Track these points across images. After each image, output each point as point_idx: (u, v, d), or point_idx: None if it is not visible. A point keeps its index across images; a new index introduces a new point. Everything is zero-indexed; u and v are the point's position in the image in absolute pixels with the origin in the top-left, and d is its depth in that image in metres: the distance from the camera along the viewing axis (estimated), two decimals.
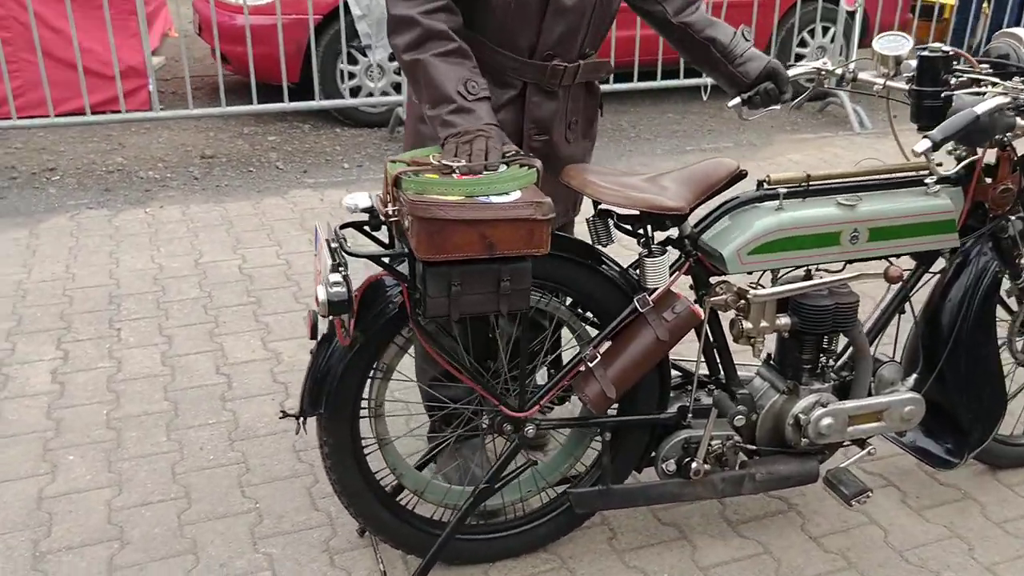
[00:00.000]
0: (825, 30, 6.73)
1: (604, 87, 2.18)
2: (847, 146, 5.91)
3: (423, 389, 2.27)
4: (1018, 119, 1.99)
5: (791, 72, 2.21)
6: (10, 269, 3.93)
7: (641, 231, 1.97)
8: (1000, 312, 2.36)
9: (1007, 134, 2.04)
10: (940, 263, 2.28)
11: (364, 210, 1.84)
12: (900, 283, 2.19)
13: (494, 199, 1.71)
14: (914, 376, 2.25)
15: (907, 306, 2.24)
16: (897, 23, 6.53)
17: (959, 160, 2.18)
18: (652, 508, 2.42)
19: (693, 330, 2.02)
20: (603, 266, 2.03)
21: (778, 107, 2.19)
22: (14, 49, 5.41)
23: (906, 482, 2.55)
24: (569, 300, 2.07)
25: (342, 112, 6.02)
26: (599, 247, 2.03)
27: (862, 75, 2.20)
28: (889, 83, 2.12)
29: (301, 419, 1.94)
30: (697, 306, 2.00)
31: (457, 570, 2.20)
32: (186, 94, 5.56)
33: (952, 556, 2.26)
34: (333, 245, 1.83)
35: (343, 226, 1.91)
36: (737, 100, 2.17)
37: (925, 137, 1.84)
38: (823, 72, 2.26)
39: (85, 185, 5.04)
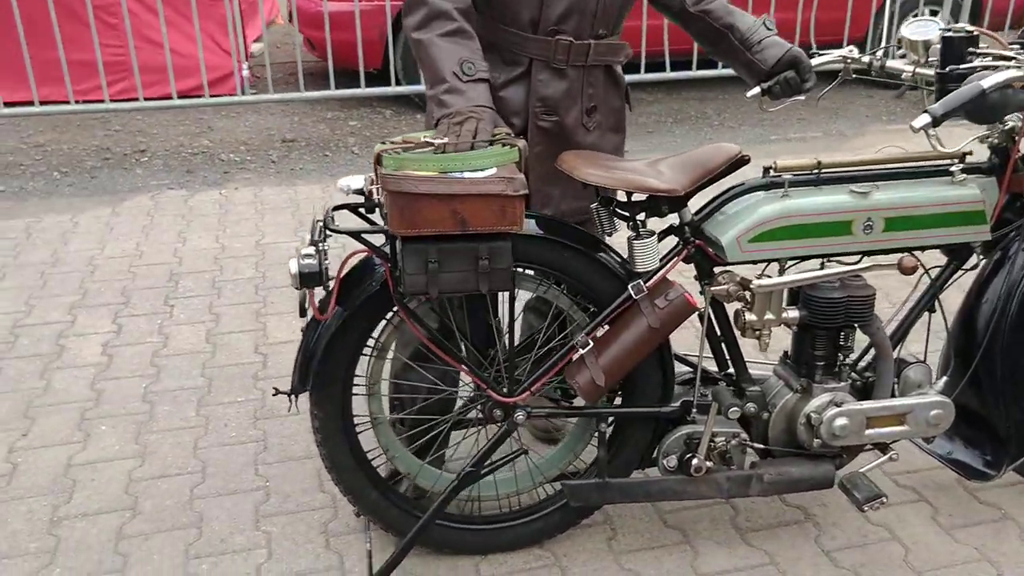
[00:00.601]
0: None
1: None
2: (945, 137, 5.57)
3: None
4: None
5: (815, 61, 2.10)
6: (87, 245, 4.14)
7: (635, 216, 1.90)
8: None
9: None
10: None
11: (357, 191, 1.85)
12: (930, 281, 2.05)
13: (467, 175, 1.69)
14: (944, 379, 2.10)
15: (937, 305, 2.09)
16: (1012, 6, 6.13)
17: (993, 149, 2.02)
18: (659, 510, 2.35)
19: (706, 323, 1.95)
20: (602, 254, 1.97)
21: (801, 97, 2.09)
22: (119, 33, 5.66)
23: (941, 498, 2.39)
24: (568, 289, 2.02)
25: (422, 97, 6.06)
26: (604, 236, 2.00)
27: (890, 63, 2.06)
28: (918, 70, 1.98)
29: (292, 396, 1.96)
30: (692, 295, 1.92)
31: (447, 560, 2.18)
32: (269, 79, 5.72)
33: None
34: (318, 222, 1.84)
35: (336, 207, 1.92)
36: (756, 90, 2.08)
37: (925, 112, 1.72)
38: (849, 60, 2.13)
39: (170, 166, 5.26)
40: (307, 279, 1.75)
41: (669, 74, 5.54)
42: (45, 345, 3.23)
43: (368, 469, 2.09)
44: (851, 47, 2.16)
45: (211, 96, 5.63)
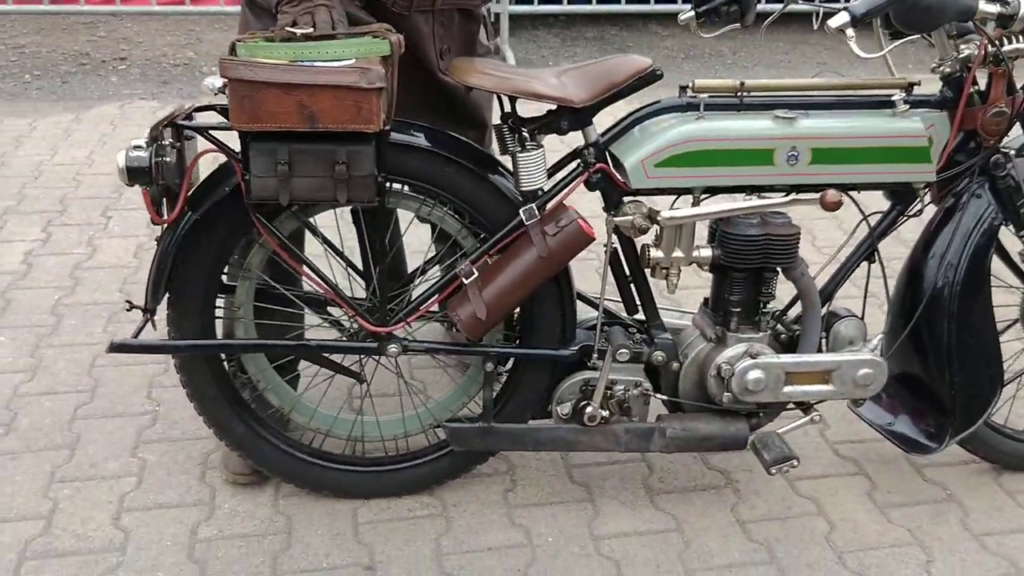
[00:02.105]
0: None
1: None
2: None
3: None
4: (981, 2, 1.64)
5: None
6: (37, 150, 4.06)
7: (525, 129, 1.75)
8: (1012, 279, 1.99)
9: (971, 23, 1.71)
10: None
11: (222, 91, 1.72)
12: (869, 228, 1.87)
13: (320, 64, 1.56)
14: (879, 337, 1.93)
15: (877, 255, 1.91)
16: None
17: (945, 80, 1.82)
18: (566, 464, 2.22)
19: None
20: (496, 175, 1.82)
21: (738, 25, 1.89)
22: None
23: (882, 473, 2.22)
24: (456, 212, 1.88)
25: None
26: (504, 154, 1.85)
27: None
28: None
29: (147, 314, 1.85)
30: (589, 224, 1.76)
31: (325, 503, 2.07)
32: None
33: (902, 567, 1.95)
34: (164, 119, 1.71)
35: (199, 108, 1.79)
36: (690, 13, 1.87)
37: (844, 10, 1.56)
38: None
39: (147, 76, 5.15)
40: (135, 174, 1.63)
41: (678, 6, 5.30)
42: None
43: (235, 399, 1.99)
44: None
45: (192, 4, 5.50)
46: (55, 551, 1.92)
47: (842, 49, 5.80)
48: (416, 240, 2.44)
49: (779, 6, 1.83)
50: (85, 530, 1.98)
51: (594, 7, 5.86)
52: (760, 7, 1.87)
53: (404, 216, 2.05)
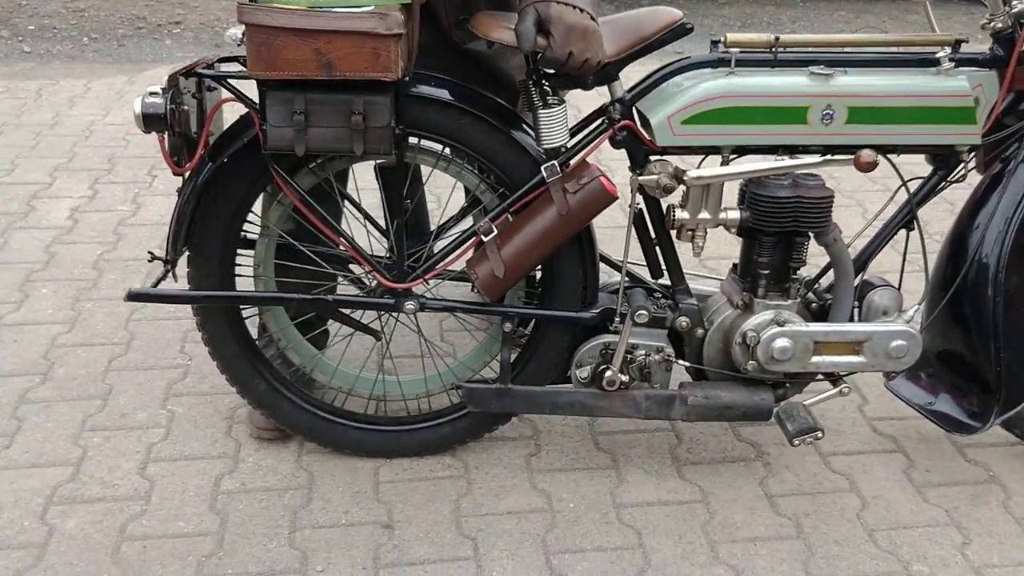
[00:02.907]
0: None
1: None
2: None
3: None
4: None
5: None
6: (91, 110, 4.17)
7: (546, 83, 1.73)
8: None
9: None
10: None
11: (243, 41, 1.74)
12: (908, 194, 1.82)
13: (338, 10, 1.56)
14: (915, 308, 1.88)
15: (916, 224, 1.86)
16: None
17: (996, 37, 1.76)
18: (592, 432, 2.21)
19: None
20: (518, 132, 1.81)
21: None
22: None
23: (921, 451, 2.17)
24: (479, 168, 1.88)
25: None
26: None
27: None
28: None
29: (168, 265, 1.88)
30: (612, 182, 1.75)
31: (347, 461, 2.10)
32: None
33: (936, 548, 1.90)
34: (193, 67, 1.74)
35: (222, 59, 1.82)
36: None
37: None
38: None
39: (200, 40, 5.24)
40: (150, 120, 1.64)
41: None
42: (15, 204, 3.27)
43: (256, 357, 2.02)
44: None
45: None
46: (81, 497, 1.98)
47: (907, 19, 5.65)
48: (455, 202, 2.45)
49: None
50: (111, 478, 2.04)
51: None
52: None
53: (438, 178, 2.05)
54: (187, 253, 1.90)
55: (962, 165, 1.83)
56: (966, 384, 1.95)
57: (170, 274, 1.88)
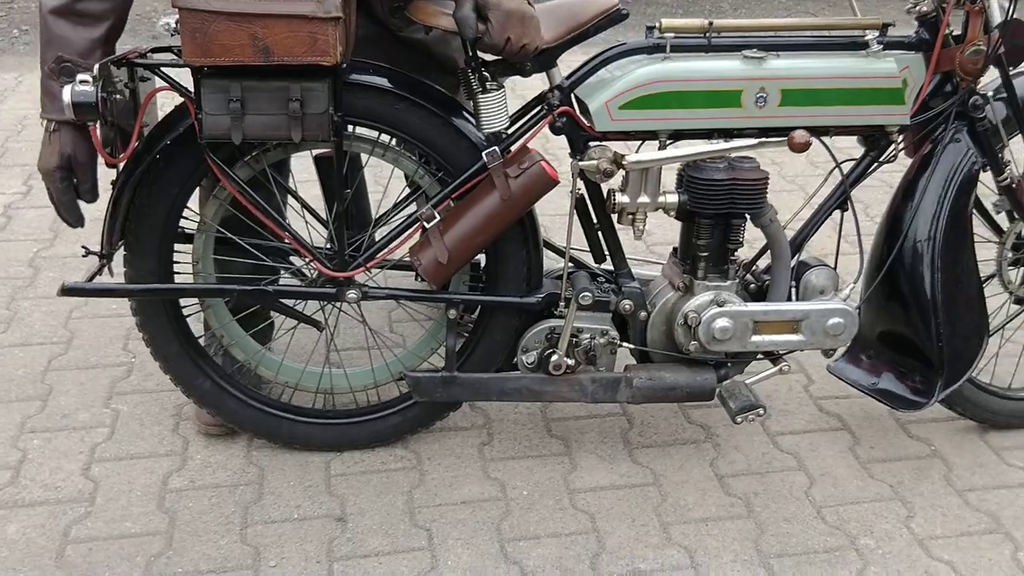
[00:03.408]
0: None
1: None
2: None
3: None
4: None
5: None
6: (22, 104, 4.16)
7: (485, 69, 1.78)
8: (987, 233, 2.01)
9: None
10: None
11: (177, 30, 1.75)
12: (841, 175, 1.89)
13: None
14: (850, 286, 1.95)
15: (850, 204, 1.93)
16: None
17: (921, 20, 1.84)
18: (545, 418, 2.26)
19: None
20: (458, 118, 1.85)
21: None
22: None
23: (866, 428, 2.25)
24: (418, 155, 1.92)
25: None
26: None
27: None
28: None
29: (103, 260, 1.89)
30: (553, 166, 1.80)
31: (297, 456, 2.12)
32: None
33: (881, 522, 1.98)
34: (125, 56, 1.75)
35: (156, 49, 1.83)
36: None
37: None
38: None
39: (137, 32, 5.22)
40: (81, 109, 1.62)
41: None
42: None
43: (199, 354, 2.04)
44: None
45: None
46: (22, 501, 1.97)
47: (845, 5, 5.77)
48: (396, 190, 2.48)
49: None
50: (54, 480, 2.04)
51: None
52: None
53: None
54: (123, 247, 1.91)
55: (892, 146, 1.90)
56: (908, 362, 2.02)
57: (106, 268, 1.89)
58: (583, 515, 1.98)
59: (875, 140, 1.90)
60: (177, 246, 1.95)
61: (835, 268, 1.97)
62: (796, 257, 1.96)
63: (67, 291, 1.87)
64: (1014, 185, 2.00)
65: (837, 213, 1.98)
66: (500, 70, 1.81)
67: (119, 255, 1.92)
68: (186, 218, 1.94)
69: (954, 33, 1.83)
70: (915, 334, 1.96)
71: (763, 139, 1.80)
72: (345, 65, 1.69)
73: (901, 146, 1.91)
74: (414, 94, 1.81)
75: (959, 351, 1.96)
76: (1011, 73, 1.89)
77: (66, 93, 1.64)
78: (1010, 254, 2.13)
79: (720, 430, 2.23)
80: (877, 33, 1.82)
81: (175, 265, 1.96)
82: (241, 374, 2.10)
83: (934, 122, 1.88)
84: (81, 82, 1.64)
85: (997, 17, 1.82)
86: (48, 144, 1.76)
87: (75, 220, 1.84)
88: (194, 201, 1.97)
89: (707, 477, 2.10)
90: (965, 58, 1.80)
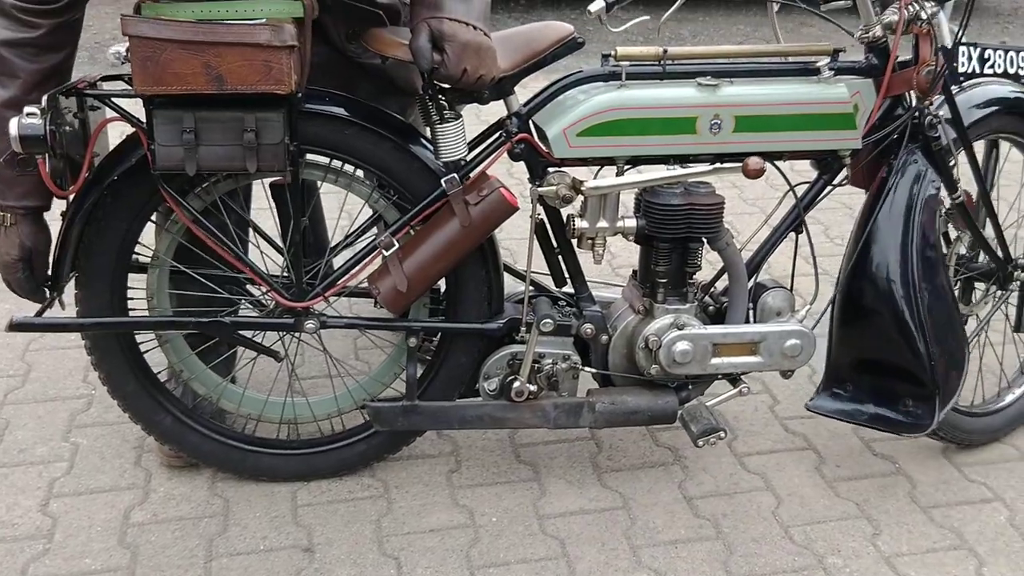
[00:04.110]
0: None
1: None
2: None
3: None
4: None
5: None
6: None
7: (443, 98, 1.83)
8: None
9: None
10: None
11: (127, 59, 1.78)
12: (795, 198, 1.96)
13: (227, 22, 1.61)
14: (807, 308, 2.02)
15: (804, 227, 2.00)
16: None
17: (870, 47, 1.91)
18: (513, 444, 2.30)
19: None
20: (416, 146, 1.90)
21: (646, 18, 1.98)
22: None
23: (830, 447, 2.31)
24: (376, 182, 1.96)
25: None
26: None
27: None
28: None
29: (53, 293, 1.90)
30: (512, 193, 1.85)
31: (263, 486, 2.15)
32: None
33: (849, 540, 2.03)
34: (74, 86, 1.76)
35: (107, 77, 1.85)
36: (600, 4, 1.89)
37: None
38: None
39: (96, 60, 5.23)
40: (28, 142, 1.62)
41: None
42: None
43: (159, 389, 2.06)
44: None
45: None
46: None
47: (802, 31, 5.94)
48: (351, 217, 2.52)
49: None
50: (10, 517, 2.05)
51: None
52: None
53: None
54: (74, 281, 1.92)
55: (844, 169, 1.97)
56: (896, 387, 2.03)
57: (56, 302, 1.90)
58: (553, 540, 2.02)
59: (828, 164, 1.97)
60: (132, 277, 1.97)
61: (791, 290, 2.04)
62: (753, 279, 2.02)
63: (15, 327, 1.88)
64: (964, 201, 2.09)
65: (793, 235, 2.04)
66: (458, 98, 1.86)
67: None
68: (141, 243, 1.96)
69: (900, 59, 1.91)
70: (902, 358, 1.98)
71: (718, 164, 1.86)
72: (300, 94, 1.73)
73: (847, 176, 1.98)
74: (373, 123, 1.85)
75: (949, 368, 2.00)
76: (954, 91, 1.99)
77: (13, 126, 1.64)
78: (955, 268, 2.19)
79: (688, 452, 2.29)
80: (828, 59, 1.89)
81: (130, 299, 1.98)
82: (202, 408, 2.13)
83: (885, 145, 1.95)
84: (28, 114, 1.64)
85: (947, 38, 1.90)
86: (4, 236, 1.78)
87: (39, 300, 1.87)
88: (148, 234, 1.98)
89: (676, 499, 2.14)
90: (922, 79, 1.88)
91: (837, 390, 2.07)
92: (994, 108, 2.11)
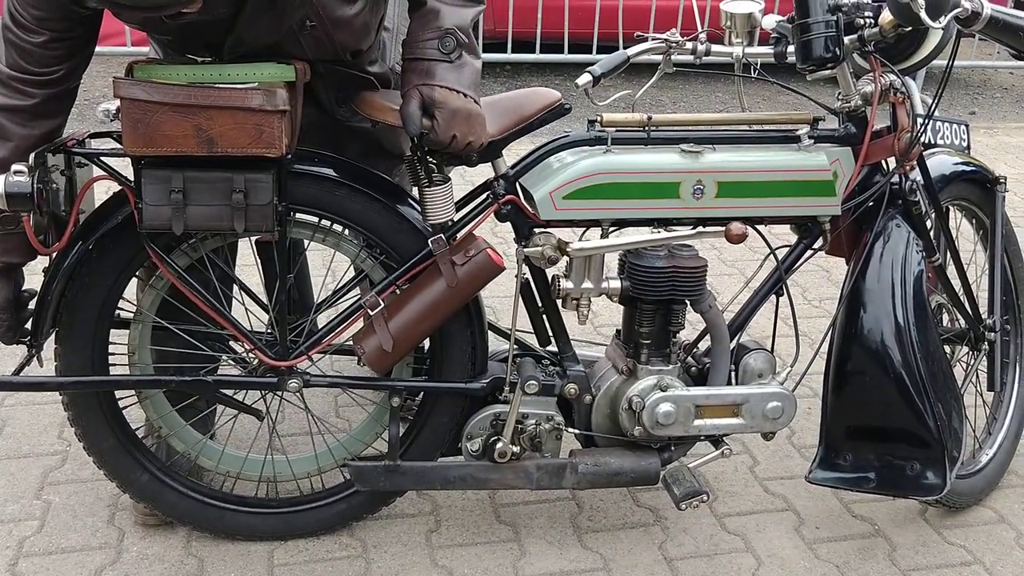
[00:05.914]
0: None
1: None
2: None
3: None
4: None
5: (631, 50, 2.04)
6: None
7: (432, 162, 1.93)
8: None
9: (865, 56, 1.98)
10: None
11: (117, 116, 1.85)
12: (776, 262, 2.07)
13: (219, 85, 1.68)
14: (787, 370, 2.12)
15: (785, 288, 2.11)
16: None
17: (849, 116, 2.04)
18: (493, 504, 2.37)
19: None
20: (404, 206, 1.99)
21: (629, 92, 2.10)
22: None
23: (811, 508, 2.40)
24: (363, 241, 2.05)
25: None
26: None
27: (716, 47, 2.02)
28: (748, 50, 1.99)
29: (32, 349, 1.95)
30: (499, 253, 1.95)
31: (239, 545, 2.20)
32: None
33: None
34: (63, 144, 1.82)
35: (94, 135, 1.91)
36: (587, 77, 1.99)
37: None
38: (672, 45, 2.04)
39: (85, 116, 5.30)
40: (15, 200, 1.67)
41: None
42: None
43: (136, 446, 2.10)
44: (673, 30, 2.07)
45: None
46: None
47: (779, 99, 6.17)
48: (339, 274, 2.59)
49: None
50: None
51: (537, 56, 6.32)
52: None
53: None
54: (54, 338, 1.97)
55: (823, 235, 2.09)
56: (900, 450, 2.09)
57: (35, 359, 1.95)
58: None
59: (808, 228, 2.08)
60: (114, 332, 2.02)
61: (772, 351, 2.14)
62: (735, 341, 2.12)
63: None
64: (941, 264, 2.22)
65: (774, 297, 2.15)
66: (446, 160, 1.95)
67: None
68: (121, 308, 2.02)
69: (875, 127, 2.03)
70: (906, 421, 2.05)
71: (701, 228, 1.97)
72: (290, 156, 1.81)
73: (822, 244, 2.09)
74: (361, 183, 1.94)
75: (953, 425, 2.08)
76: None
77: (0, 184, 1.69)
78: None
79: (669, 513, 2.36)
80: (808, 127, 2.01)
81: (111, 354, 2.03)
82: (178, 465, 2.17)
83: (862, 211, 2.07)
84: (16, 172, 1.69)
85: (919, 107, 2.03)
86: None
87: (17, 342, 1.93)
88: (130, 289, 2.04)
89: (656, 560, 2.21)
90: (902, 144, 2.00)
91: (836, 460, 2.13)
92: (950, 176, 2.26)
